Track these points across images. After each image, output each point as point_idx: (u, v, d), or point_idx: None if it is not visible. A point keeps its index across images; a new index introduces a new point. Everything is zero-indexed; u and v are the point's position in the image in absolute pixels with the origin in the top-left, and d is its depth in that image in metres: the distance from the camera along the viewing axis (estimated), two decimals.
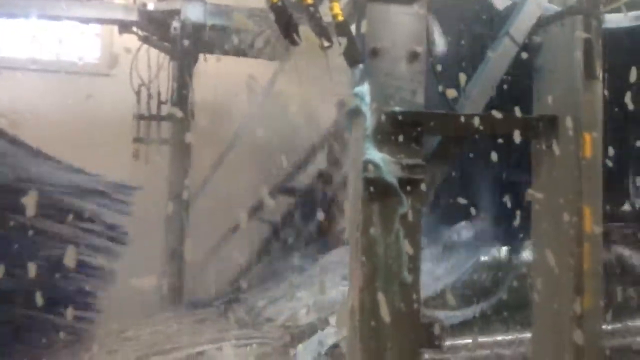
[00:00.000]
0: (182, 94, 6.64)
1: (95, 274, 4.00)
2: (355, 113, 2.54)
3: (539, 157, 2.61)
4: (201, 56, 6.56)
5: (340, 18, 2.45)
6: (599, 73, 2.48)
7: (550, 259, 2.54)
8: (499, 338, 3.36)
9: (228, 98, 7.14)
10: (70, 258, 3.13)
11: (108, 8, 6.34)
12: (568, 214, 2.46)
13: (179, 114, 6.30)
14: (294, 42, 2.44)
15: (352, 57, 2.47)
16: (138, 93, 7.13)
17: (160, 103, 7.11)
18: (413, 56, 2.50)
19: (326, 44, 2.44)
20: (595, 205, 2.48)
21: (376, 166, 2.46)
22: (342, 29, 2.44)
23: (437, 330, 2.36)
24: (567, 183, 2.50)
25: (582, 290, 2.47)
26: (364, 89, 2.50)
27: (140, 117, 7.10)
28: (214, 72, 6.41)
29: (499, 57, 2.60)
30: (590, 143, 2.47)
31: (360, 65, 2.50)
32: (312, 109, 4.97)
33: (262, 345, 3.47)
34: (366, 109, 2.49)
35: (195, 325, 3.97)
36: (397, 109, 2.46)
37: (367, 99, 2.48)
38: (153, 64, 7.01)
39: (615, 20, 2.91)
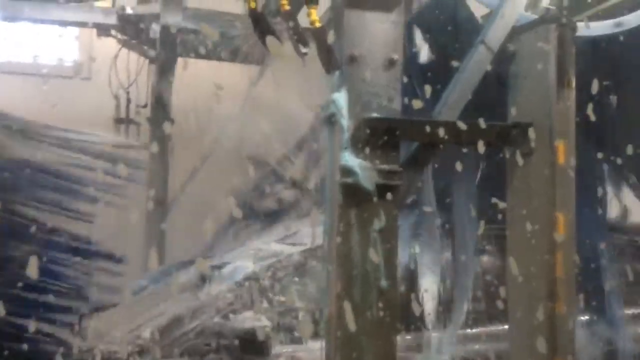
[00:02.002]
0: (161, 98, 6.56)
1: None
2: (332, 119, 2.51)
3: (513, 165, 2.60)
4: (181, 61, 6.49)
5: (318, 24, 2.42)
6: (572, 81, 2.48)
7: (523, 265, 2.54)
8: None
9: (208, 102, 7.06)
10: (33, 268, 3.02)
11: (87, 11, 6.22)
12: (541, 221, 2.46)
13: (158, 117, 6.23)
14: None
15: (329, 63, 2.44)
16: (117, 97, 7.03)
17: (139, 107, 7.02)
18: (390, 63, 2.48)
19: (303, 50, 2.41)
20: (568, 212, 2.48)
21: (353, 172, 2.43)
22: (319, 35, 2.41)
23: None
24: (541, 190, 2.49)
25: (555, 298, 2.47)
26: (341, 95, 2.47)
27: (119, 121, 6.99)
28: (193, 76, 6.34)
29: (475, 64, 2.59)
30: (564, 151, 2.47)
31: (338, 72, 2.47)
32: (290, 115, 4.93)
33: None
34: (343, 115, 2.46)
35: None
36: (373, 115, 2.44)
37: (344, 105, 2.45)
38: (132, 68, 6.92)
39: (593, 28, 2.92)
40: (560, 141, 2.45)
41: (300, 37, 2.40)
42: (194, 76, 6.33)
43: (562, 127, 2.47)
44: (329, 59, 2.42)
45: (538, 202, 2.50)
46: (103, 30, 6.33)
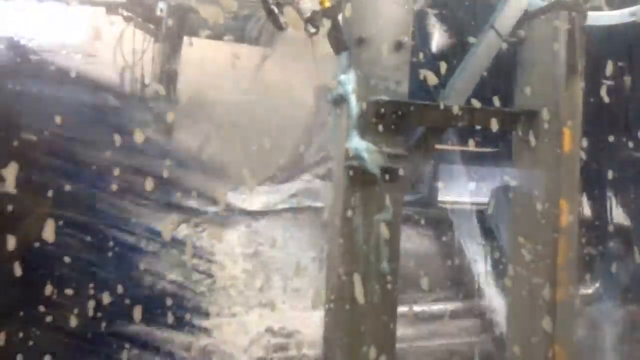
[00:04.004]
0: (166, 77, 6.48)
1: None
2: (339, 101, 2.47)
3: (519, 150, 2.57)
4: (187, 40, 6.39)
5: (327, 4, 2.36)
6: (581, 69, 2.44)
7: (526, 248, 2.52)
8: None
9: (214, 83, 6.98)
10: None
11: None
12: (545, 206, 2.43)
13: (162, 91, 6.15)
14: (280, 27, 2.35)
15: (338, 44, 2.39)
16: (122, 75, 6.95)
17: (144, 86, 6.94)
18: (398, 46, 2.43)
19: (312, 30, 2.36)
20: (572, 198, 2.45)
21: (359, 155, 2.39)
22: (328, 15, 2.35)
23: None
24: (546, 176, 2.46)
25: (556, 282, 2.45)
26: (349, 77, 2.42)
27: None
28: (199, 56, 6.25)
29: (483, 49, 2.54)
30: (569, 138, 2.44)
31: (346, 54, 2.43)
32: (297, 96, 4.86)
33: None
34: (350, 97, 2.42)
35: None
36: (380, 98, 2.40)
37: (352, 87, 2.41)
38: (138, 47, 6.83)
39: (608, 17, 2.85)
40: (567, 128, 2.41)
41: (309, 16, 2.35)
42: (201, 56, 6.25)
43: (569, 114, 2.43)
44: (338, 40, 2.37)
45: (543, 189, 2.47)
46: (111, 8, 6.22)
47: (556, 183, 2.44)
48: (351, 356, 2.27)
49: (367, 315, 2.31)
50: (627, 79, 2.84)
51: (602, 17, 2.72)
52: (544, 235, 2.44)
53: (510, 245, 2.59)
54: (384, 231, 2.37)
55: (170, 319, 3.37)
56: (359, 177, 2.40)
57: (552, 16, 2.49)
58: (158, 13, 5.35)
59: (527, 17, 2.54)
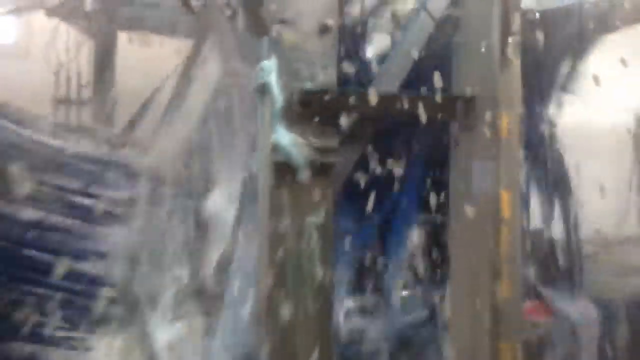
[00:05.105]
0: (102, 77, 6.10)
1: None
2: (262, 90, 2.23)
3: (457, 139, 2.40)
4: (124, 36, 6.03)
5: None
6: (517, 48, 2.28)
7: (465, 245, 2.35)
8: None
9: (154, 81, 6.63)
10: None
11: None
12: (484, 199, 2.27)
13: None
14: (192, 11, 2.10)
15: (257, 27, 2.15)
16: (57, 75, 6.51)
17: (80, 86, 6.53)
18: (324, 29, 2.21)
19: (227, 12, 2.11)
20: (514, 188, 2.29)
21: (284, 149, 2.16)
22: None
23: None
24: (485, 165, 2.30)
25: (500, 277, 2.29)
26: (271, 63, 2.19)
27: (58, 100, 6.50)
28: (139, 53, 5.90)
29: (416, 32, 2.35)
30: (508, 124, 2.27)
31: (267, 38, 2.19)
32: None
33: None
34: (273, 85, 2.18)
35: None
36: (307, 86, 2.18)
37: (274, 74, 2.18)
38: (73, 44, 6.42)
39: None
40: (504, 113, 2.25)
41: None
42: (141, 52, 5.88)
43: (506, 99, 2.26)
44: (257, 23, 2.13)
45: (482, 178, 2.30)
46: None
47: (496, 172, 2.27)
48: None
49: (299, 330, 2.09)
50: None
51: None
52: (484, 230, 2.27)
53: (451, 239, 2.41)
54: (316, 234, 2.15)
55: None
56: (285, 174, 2.17)
57: None
58: (87, 8, 4.99)
59: None
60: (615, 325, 3.42)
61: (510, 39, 2.22)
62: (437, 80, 2.21)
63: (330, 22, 2.22)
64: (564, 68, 3.12)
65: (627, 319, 3.44)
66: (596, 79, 2.66)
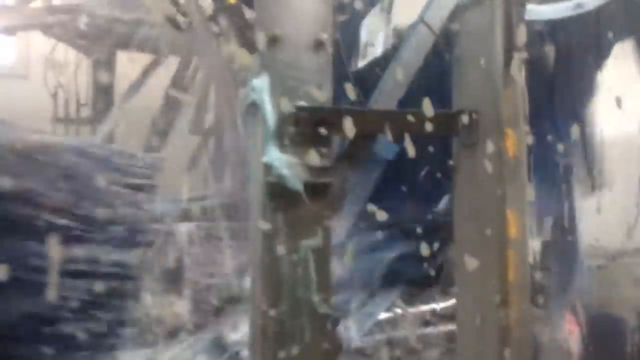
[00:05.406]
0: (101, 96, 6.05)
1: None
2: (253, 109, 2.13)
3: (460, 156, 2.28)
4: (124, 55, 5.99)
5: (233, 0, 2.03)
6: (521, 63, 2.17)
7: (473, 267, 2.22)
8: None
9: (153, 100, 6.57)
10: None
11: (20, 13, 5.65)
12: (490, 220, 2.14)
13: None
14: (177, 27, 2.01)
15: (248, 44, 2.06)
16: (55, 96, 6.48)
17: (79, 105, 6.49)
18: (318, 44, 2.11)
19: (215, 29, 2.02)
20: (520, 210, 2.17)
21: (277, 170, 2.05)
22: (234, 12, 2.02)
23: None
24: (489, 186, 2.17)
25: (508, 302, 2.15)
26: (263, 81, 2.09)
27: (57, 120, 6.46)
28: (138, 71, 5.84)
29: (414, 46, 2.25)
30: (513, 140, 2.15)
31: (258, 54, 2.09)
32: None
33: None
34: (265, 104, 2.08)
35: None
36: (301, 104, 2.07)
37: (266, 92, 2.07)
38: (71, 64, 6.39)
39: (553, 10, 2.62)
40: (509, 130, 2.13)
41: (212, 15, 2.01)
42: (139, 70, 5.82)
43: (510, 115, 2.15)
44: (246, 40, 2.03)
45: (486, 199, 2.18)
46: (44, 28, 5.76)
47: (501, 192, 2.14)
48: None
49: (299, 356, 1.96)
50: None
51: (546, 11, 2.49)
52: (491, 252, 2.14)
53: (456, 263, 2.28)
54: (313, 258, 2.03)
55: None
56: (280, 196, 2.06)
57: (487, 7, 2.21)
58: (82, 27, 4.94)
59: (460, 9, 2.27)
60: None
61: (515, 54, 2.11)
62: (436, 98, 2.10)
63: (325, 36, 2.12)
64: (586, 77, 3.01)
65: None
66: (619, 101, 2.55)
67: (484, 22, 2.19)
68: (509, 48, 2.16)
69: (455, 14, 2.27)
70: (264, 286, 2.03)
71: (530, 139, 2.13)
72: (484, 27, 2.19)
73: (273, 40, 2.07)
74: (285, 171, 2.05)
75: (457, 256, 2.30)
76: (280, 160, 2.05)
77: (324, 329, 1.97)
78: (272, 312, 1.97)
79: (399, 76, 2.23)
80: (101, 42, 5.03)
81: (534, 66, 2.19)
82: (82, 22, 4.88)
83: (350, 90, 2.05)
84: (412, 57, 2.25)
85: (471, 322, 2.25)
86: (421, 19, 2.27)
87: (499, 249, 2.18)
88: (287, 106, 2.04)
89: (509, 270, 2.17)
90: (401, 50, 2.26)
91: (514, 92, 2.17)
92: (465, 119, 2.18)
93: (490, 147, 2.15)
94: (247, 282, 2.68)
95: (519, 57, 2.12)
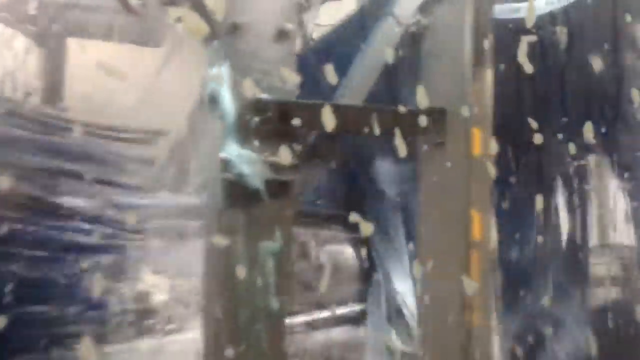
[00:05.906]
0: (51, 85, 5.72)
1: None
2: (212, 100, 1.99)
3: (425, 156, 2.20)
4: (75, 42, 5.68)
5: None
6: (491, 60, 2.11)
7: (433, 270, 2.15)
8: None
9: (108, 89, 6.28)
10: None
11: None
12: (454, 221, 2.08)
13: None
14: (130, 10, 1.84)
15: (202, 31, 1.92)
16: (1, 83, 6.09)
17: (27, 95, 6.12)
18: (282, 34, 1.99)
19: (172, 14, 1.87)
20: (485, 210, 2.11)
21: (237, 166, 1.92)
22: None
23: None
24: (454, 185, 2.11)
25: (472, 306, 2.10)
26: (223, 71, 1.95)
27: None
28: (92, 60, 5.55)
29: (382, 40, 2.16)
30: (480, 139, 2.10)
31: (217, 42, 1.96)
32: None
33: None
34: (224, 95, 1.94)
35: None
36: (263, 96, 1.95)
37: (226, 83, 1.94)
38: (21, 51, 6.03)
39: (498, 11, 2.57)
40: (476, 128, 2.07)
41: None
42: (93, 60, 5.54)
43: (478, 113, 2.09)
44: (200, 26, 1.89)
45: (451, 199, 2.12)
46: None
47: (466, 192, 2.08)
48: None
49: None
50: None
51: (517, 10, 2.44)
52: (454, 254, 2.08)
53: (419, 265, 2.21)
54: (271, 261, 1.91)
55: None
56: (238, 194, 1.93)
57: (457, 1, 2.15)
58: (32, 12, 4.63)
59: (430, 3, 2.19)
60: None
61: (484, 48, 2.05)
62: (406, 93, 2.02)
63: (289, 26, 2.00)
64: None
65: None
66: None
67: (454, 17, 2.13)
68: (479, 43, 2.10)
69: (424, 8, 2.19)
70: (218, 290, 1.90)
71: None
72: (454, 21, 2.12)
73: (233, 28, 1.94)
74: (244, 167, 1.92)
75: (421, 258, 2.23)
76: (240, 157, 1.93)
77: (278, 337, 1.86)
78: (225, 316, 1.85)
79: (367, 69, 2.14)
80: (52, 28, 4.74)
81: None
82: (32, 6, 4.57)
83: (331, 74, 1.93)
84: (380, 50, 2.16)
85: (431, 328, 2.19)
86: (389, 11, 2.18)
87: (463, 251, 2.12)
88: (252, 90, 1.90)
89: (472, 273, 2.12)
90: (368, 43, 2.17)
91: (482, 88, 2.11)
92: (433, 116, 2.10)
93: (457, 146, 2.09)
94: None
95: (490, 52, 2.06)
